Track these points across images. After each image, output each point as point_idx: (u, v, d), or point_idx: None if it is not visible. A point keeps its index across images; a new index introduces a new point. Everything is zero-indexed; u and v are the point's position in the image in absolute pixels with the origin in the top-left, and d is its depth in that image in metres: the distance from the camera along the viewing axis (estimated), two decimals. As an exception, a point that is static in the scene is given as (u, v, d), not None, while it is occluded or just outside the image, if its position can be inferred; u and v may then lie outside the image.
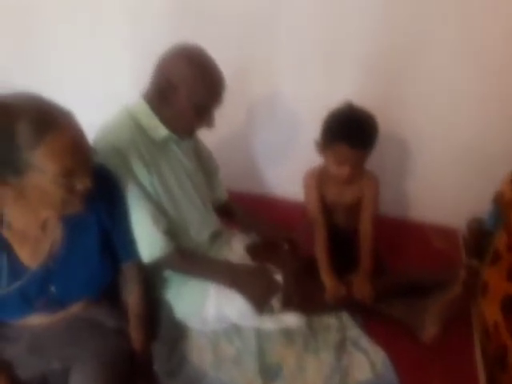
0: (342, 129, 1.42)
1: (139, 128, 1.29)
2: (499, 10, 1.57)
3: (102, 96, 1.67)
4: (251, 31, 1.81)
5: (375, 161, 1.54)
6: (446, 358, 1.31)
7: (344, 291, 1.43)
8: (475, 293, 1.42)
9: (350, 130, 1.40)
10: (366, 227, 1.56)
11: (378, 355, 1.30)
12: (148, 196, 1.27)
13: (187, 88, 1.24)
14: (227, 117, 1.96)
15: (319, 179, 1.57)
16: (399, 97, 1.80)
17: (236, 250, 1.53)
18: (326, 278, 1.46)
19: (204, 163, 1.58)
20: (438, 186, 1.94)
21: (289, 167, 2.07)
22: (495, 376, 1.27)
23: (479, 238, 1.66)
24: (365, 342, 1.33)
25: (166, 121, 1.29)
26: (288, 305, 1.36)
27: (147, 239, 1.26)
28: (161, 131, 1.30)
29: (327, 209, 1.60)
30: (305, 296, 1.41)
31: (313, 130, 1.93)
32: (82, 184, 1.00)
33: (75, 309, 1.18)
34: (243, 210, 1.69)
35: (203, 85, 1.25)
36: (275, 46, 1.83)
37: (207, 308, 1.34)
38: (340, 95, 1.81)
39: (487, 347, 1.32)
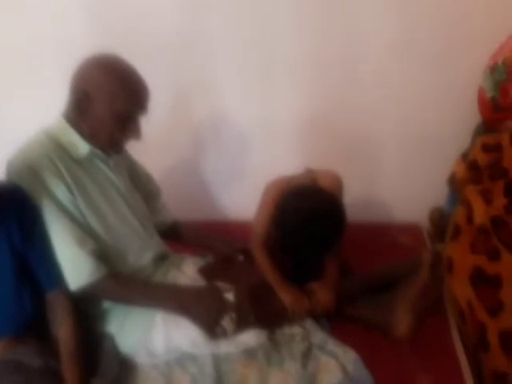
0: (304, 246, 1.25)
1: (58, 146, 1.19)
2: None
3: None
4: (185, 55, 1.80)
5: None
6: (422, 349, 1.19)
7: (306, 304, 1.29)
8: (443, 275, 1.32)
9: (315, 246, 1.25)
10: None
11: (348, 356, 1.17)
12: (70, 216, 1.16)
13: (104, 95, 1.15)
14: (172, 144, 1.97)
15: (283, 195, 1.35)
16: (345, 101, 1.79)
17: (187, 272, 1.40)
18: (283, 294, 1.30)
19: (142, 185, 1.49)
20: (395, 184, 1.90)
21: (240, 190, 2.01)
22: (479, 358, 1.15)
23: (442, 225, 1.59)
24: (332, 345, 1.20)
25: (86, 135, 1.20)
26: (243, 323, 1.22)
27: (71, 263, 1.13)
28: (82, 148, 1.20)
29: None
30: (264, 310, 1.28)
31: (259, 149, 1.93)
32: None
33: (-8, 350, 1.03)
34: (193, 229, 1.59)
35: (121, 90, 1.16)
36: (212, 68, 1.81)
37: (154, 339, 1.21)
38: (283, 110, 1.85)
39: (465, 329, 1.20)
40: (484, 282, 1.18)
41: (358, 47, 1.71)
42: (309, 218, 1.24)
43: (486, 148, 1.43)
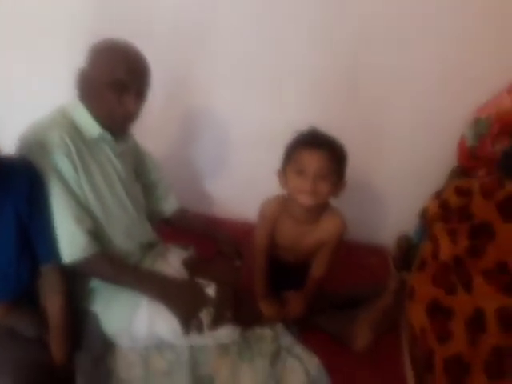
0: (299, 138, 1.37)
1: (71, 126, 1.25)
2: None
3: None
4: (186, 46, 1.85)
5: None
6: (376, 363, 1.35)
7: (282, 316, 1.43)
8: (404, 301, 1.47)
9: (308, 136, 1.36)
10: (320, 268, 1.49)
11: (312, 362, 1.30)
12: (72, 194, 1.22)
13: (96, 68, 1.23)
14: (165, 132, 2.01)
15: (278, 212, 1.45)
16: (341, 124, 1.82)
17: (172, 263, 1.47)
18: (263, 306, 1.46)
19: (146, 173, 1.56)
20: (368, 208, 2.04)
21: (226, 185, 2.10)
22: (423, 377, 1.30)
23: (407, 252, 1.73)
24: (299, 349, 1.33)
25: (96, 115, 1.26)
26: (220, 319, 1.30)
27: (68, 238, 1.19)
28: (94, 130, 1.27)
29: (277, 246, 1.52)
30: (242, 310, 1.38)
31: (244, 152, 1.98)
32: None
33: (-8, 314, 1.09)
34: (198, 219, 1.68)
35: (112, 60, 1.22)
36: (216, 63, 1.87)
37: (137, 325, 1.27)
38: (282, 120, 1.80)
39: (415, 352, 1.35)
40: (438, 313, 1.32)
41: (358, 74, 1.80)
42: None
43: (458, 191, 1.55)
